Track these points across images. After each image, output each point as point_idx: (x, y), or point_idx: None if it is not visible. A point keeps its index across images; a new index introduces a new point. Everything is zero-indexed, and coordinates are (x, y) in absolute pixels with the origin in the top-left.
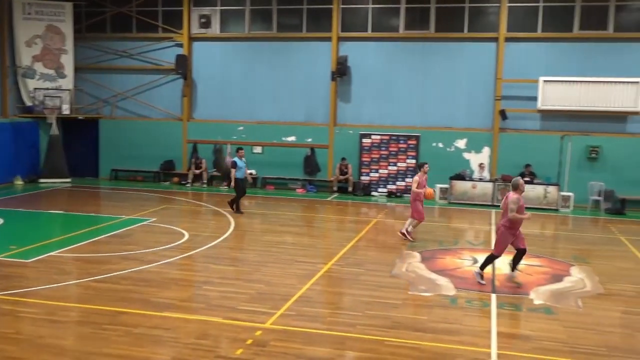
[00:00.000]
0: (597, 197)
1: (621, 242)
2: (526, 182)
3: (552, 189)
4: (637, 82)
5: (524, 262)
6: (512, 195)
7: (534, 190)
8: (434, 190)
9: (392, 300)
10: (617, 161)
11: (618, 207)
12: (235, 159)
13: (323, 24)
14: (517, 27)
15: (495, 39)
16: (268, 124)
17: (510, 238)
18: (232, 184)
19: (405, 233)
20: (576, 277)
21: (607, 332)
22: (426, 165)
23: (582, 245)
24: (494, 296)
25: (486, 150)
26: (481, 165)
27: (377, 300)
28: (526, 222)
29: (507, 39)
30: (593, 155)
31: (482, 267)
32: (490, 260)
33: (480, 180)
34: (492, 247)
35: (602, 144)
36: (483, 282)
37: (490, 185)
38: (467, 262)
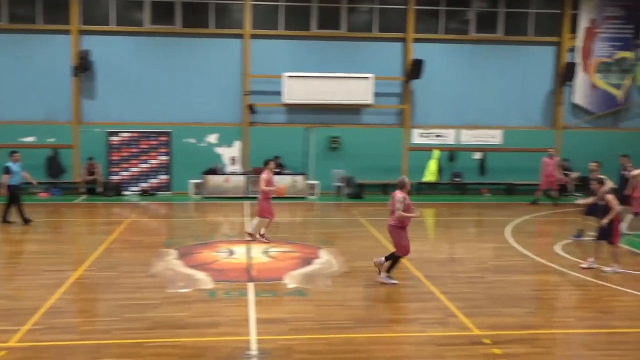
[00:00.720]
0: (339, 184)
1: (361, 224)
2: (276, 174)
3: (299, 178)
4: (368, 77)
5: (277, 250)
6: (398, 195)
7: (283, 181)
8: (286, 186)
9: (151, 301)
10: (355, 150)
11: (357, 192)
12: (9, 163)
13: (61, 15)
14: (261, 24)
15: (241, 36)
16: (1, 123)
17: (405, 234)
18: (2, 191)
19: (259, 235)
20: (324, 258)
21: (353, 307)
22: (272, 163)
23: (329, 229)
24: (251, 285)
25: (237, 144)
26: (233, 159)
27: (135, 303)
28: (279, 210)
29: (252, 36)
30: (334, 145)
31: (389, 269)
32: (396, 262)
33: (233, 173)
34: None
35: (342, 134)
36: (395, 281)
37: (242, 178)
38: (224, 254)
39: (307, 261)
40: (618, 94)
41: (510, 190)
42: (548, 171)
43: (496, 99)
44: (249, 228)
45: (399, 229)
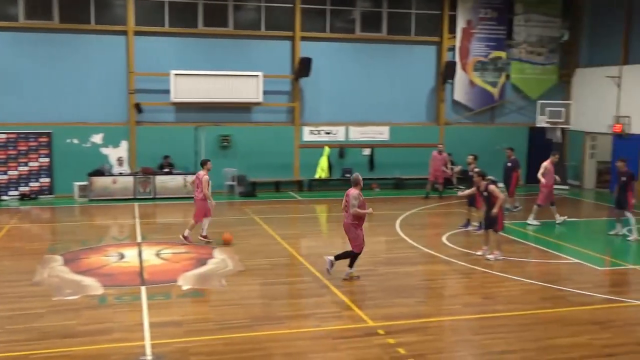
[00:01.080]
0: (231, 182)
1: (255, 222)
2: (166, 173)
3: (190, 178)
4: (257, 75)
5: (170, 251)
6: (353, 192)
7: (174, 181)
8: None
9: (36, 310)
10: (246, 148)
11: (250, 190)
12: None
13: None
14: (145, 21)
15: (125, 33)
16: None
17: (361, 232)
18: None
19: (205, 236)
20: (219, 258)
21: (249, 305)
22: (209, 163)
23: (223, 228)
24: (143, 289)
25: (124, 144)
26: (120, 160)
27: (18, 313)
28: (171, 211)
29: (137, 33)
30: (225, 143)
31: (351, 265)
32: (354, 258)
33: (121, 174)
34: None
35: (232, 133)
36: (357, 276)
37: (130, 179)
38: (113, 258)
39: (202, 261)
40: (494, 91)
41: (398, 184)
42: (437, 165)
43: (383, 96)
44: (202, 232)
45: (355, 226)
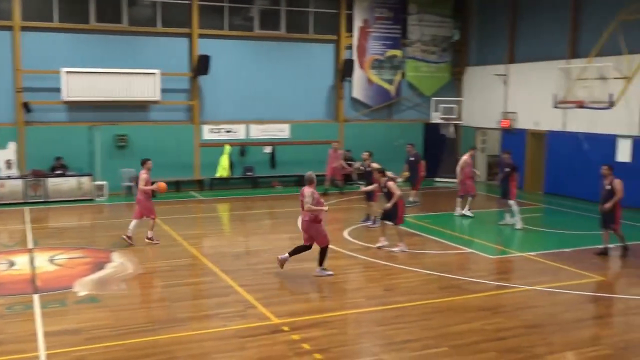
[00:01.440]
0: (129, 183)
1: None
2: (59, 175)
3: (85, 180)
4: (154, 73)
5: (65, 256)
6: (307, 190)
7: (67, 183)
8: (166, 184)
9: None
10: (144, 148)
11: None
12: None
13: None
14: (33, 16)
15: (10, 28)
16: None
17: (322, 226)
18: None
19: (146, 239)
20: (117, 262)
21: (151, 308)
22: (149, 162)
23: (120, 231)
24: (36, 297)
25: (12, 146)
26: (8, 162)
27: None
28: (65, 214)
29: (24, 28)
30: (121, 143)
31: (321, 263)
32: (324, 254)
33: (9, 177)
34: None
35: (129, 132)
36: (330, 272)
37: (20, 182)
38: (3, 266)
39: (99, 266)
40: (390, 88)
41: (300, 181)
42: (333, 162)
43: (283, 94)
44: (128, 232)
45: (314, 223)
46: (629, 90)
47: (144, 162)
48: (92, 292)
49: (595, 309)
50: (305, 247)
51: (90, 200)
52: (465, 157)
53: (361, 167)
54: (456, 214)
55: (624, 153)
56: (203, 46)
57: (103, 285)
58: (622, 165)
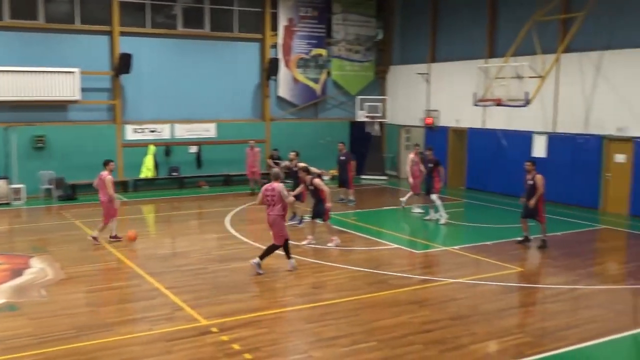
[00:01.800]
0: (48, 186)
1: (76, 226)
2: None
3: (1, 183)
4: (73, 72)
5: None
6: (278, 185)
7: None
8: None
9: None
10: (63, 149)
11: (69, 193)
12: None
13: None
14: None
15: None
16: None
17: (285, 224)
18: None
19: (116, 236)
20: (37, 267)
21: (74, 314)
22: (112, 163)
23: (40, 235)
24: None
25: None
26: None
27: None
28: None
29: None
30: (40, 144)
31: (262, 257)
32: (271, 251)
33: None
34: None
35: (47, 133)
36: (261, 271)
37: None
38: None
39: (17, 272)
40: (316, 87)
41: (227, 181)
42: (251, 162)
43: (208, 93)
44: (112, 232)
45: (281, 219)
46: (543, 88)
47: (106, 163)
48: (9, 300)
49: (515, 298)
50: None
51: (7, 204)
52: (411, 156)
53: (290, 167)
54: (410, 209)
55: (539, 149)
56: (125, 44)
57: (22, 292)
58: (537, 161)
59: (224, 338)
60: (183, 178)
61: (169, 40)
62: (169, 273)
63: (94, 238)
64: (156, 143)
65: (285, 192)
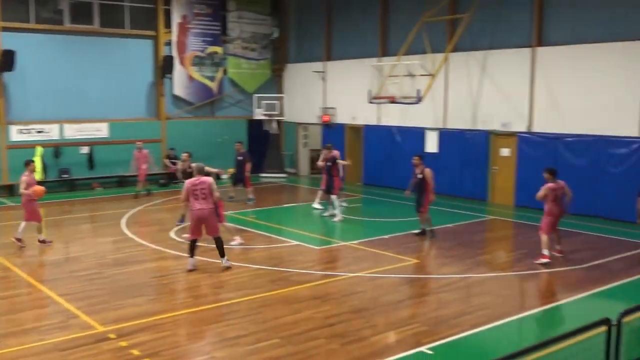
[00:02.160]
0: None
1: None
2: None
3: None
4: None
5: None
6: (209, 180)
7: None
8: (44, 188)
9: None
10: None
11: None
12: None
13: None
14: None
15: None
16: None
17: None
18: None
19: (19, 239)
20: None
21: None
22: (33, 164)
23: None
24: None
25: None
26: None
27: None
28: None
29: None
30: None
31: (222, 254)
32: (221, 244)
33: None
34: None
35: None
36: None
37: None
38: None
39: None
40: (212, 85)
41: (121, 182)
42: (139, 163)
43: (99, 91)
44: (17, 234)
45: (214, 212)
46: (434, 86)
47: (27, 163)
48: None
49: (411, 289)
50: (197, 241)
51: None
52: (335, 152)
53: (184, 168)
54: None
55: (431, 144)
56: (7, 40)
57: None
58: (430, 156)
59: (123, 344)
60: (74, 180)
61: (56, 37)
62: (61, 279)
63: (42, 242)
64: (44, 144)
65: (215, 186)
